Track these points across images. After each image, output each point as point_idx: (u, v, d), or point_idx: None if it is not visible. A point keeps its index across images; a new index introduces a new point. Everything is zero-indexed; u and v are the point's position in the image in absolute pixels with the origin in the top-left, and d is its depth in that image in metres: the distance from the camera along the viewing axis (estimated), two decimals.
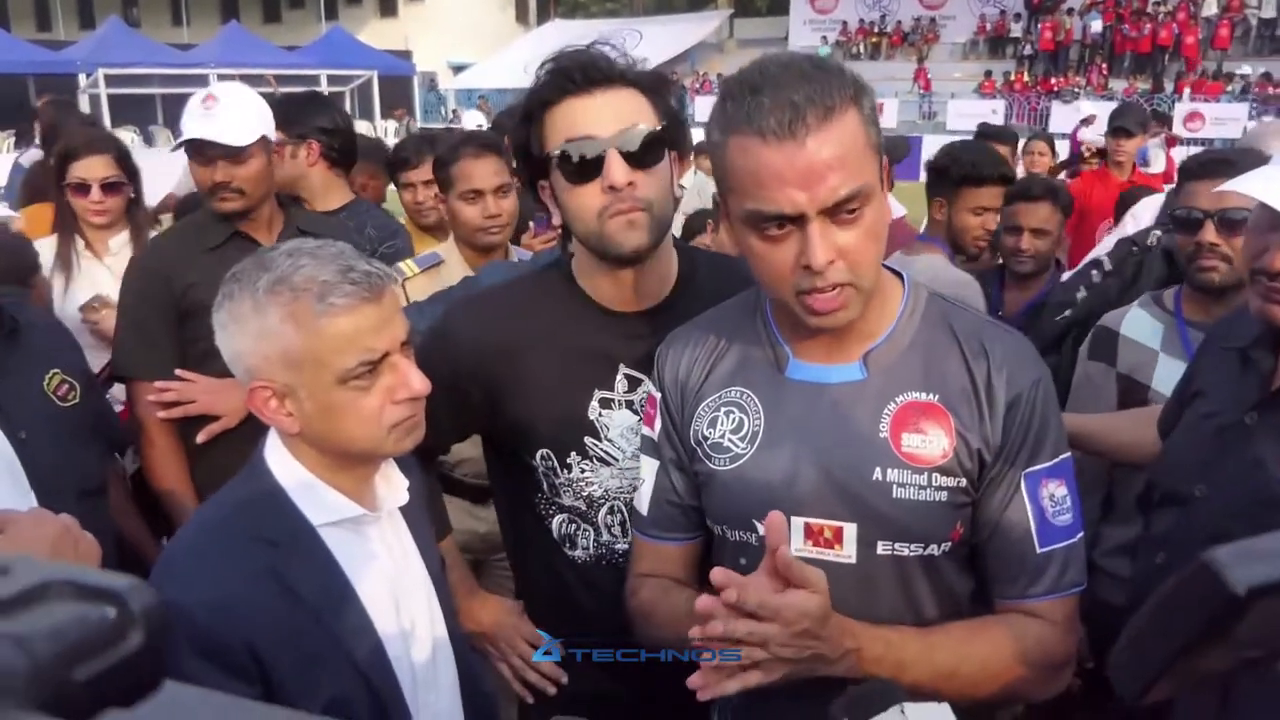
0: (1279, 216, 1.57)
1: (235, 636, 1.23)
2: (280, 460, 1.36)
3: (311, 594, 1.30)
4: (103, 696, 0.35)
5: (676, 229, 2.04)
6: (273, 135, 2.61)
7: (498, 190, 2.81)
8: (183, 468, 2.54)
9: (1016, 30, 29.49)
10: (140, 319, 2.53)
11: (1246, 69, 24.06)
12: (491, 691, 1.67)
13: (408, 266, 2.85)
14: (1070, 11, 28.20)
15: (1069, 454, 1.40)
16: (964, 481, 1.34)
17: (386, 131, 23.05)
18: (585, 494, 1.70)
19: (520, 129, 1.62)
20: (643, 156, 1.53)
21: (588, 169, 1.52)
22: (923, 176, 3.58)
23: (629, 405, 1.67)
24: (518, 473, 1.74)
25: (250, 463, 1.39)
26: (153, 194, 3.80)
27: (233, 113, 2.50)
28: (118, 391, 2.74)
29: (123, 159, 3.18)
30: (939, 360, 1.37)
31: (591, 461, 1.68)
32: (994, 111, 22.96)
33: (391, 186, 3.93)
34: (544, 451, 1.69)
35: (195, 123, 2.49)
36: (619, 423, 1.67)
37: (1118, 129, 5.48)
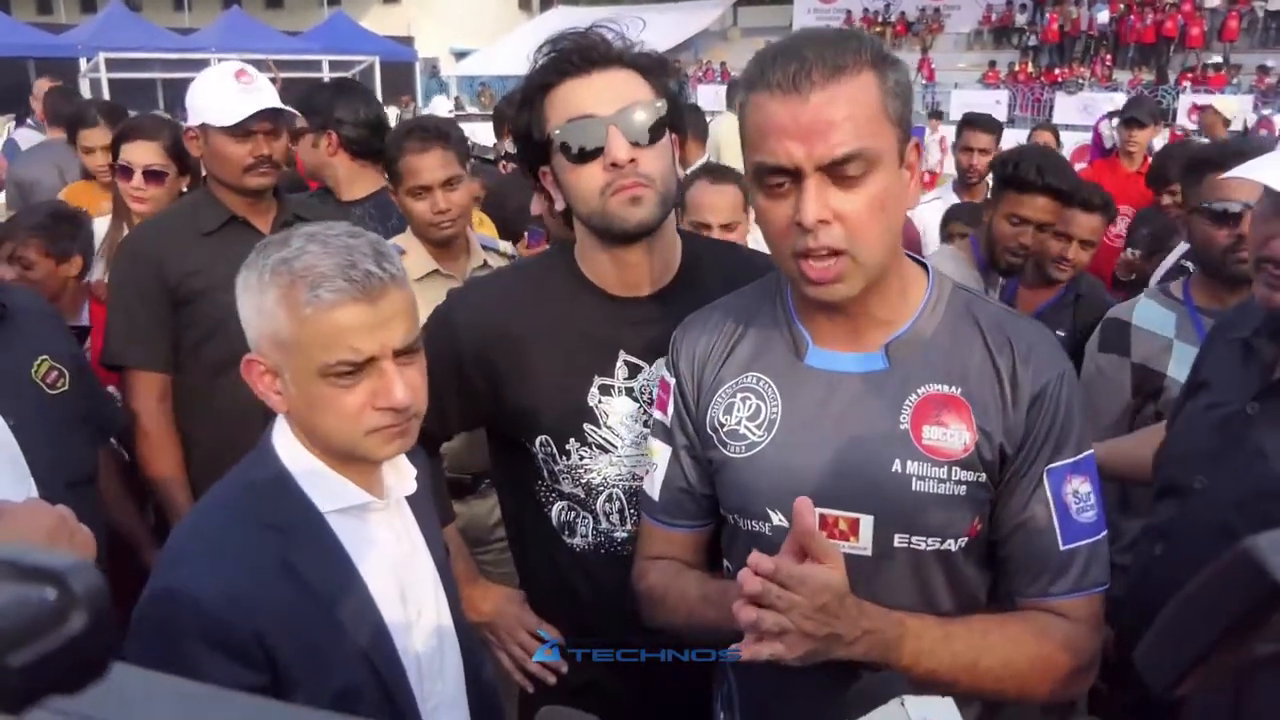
0: None
1: (244, 624, 1.22)
2: (288, 445, 1.35)
3: (319, 582, 1.29)
4: (42, 683, 0.32)
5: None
6: None
7: (445, 184, 2.69)
8: (177, 458, 2.51)
9: (1021, 20, 29.38)
10: (132, 306, 2.48)
11: (1252, 61, 23.97)
12: (494, 681, 1.66)
13: None
14: (1078, 1, 28.08)
15: (1091, 451, 1.37)
16: (984, 476, 1.32)
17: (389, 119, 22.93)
18: (584, 481, 1.68)
19: (520, 114, 1.60)
20: (643, 133, 1.52)
21: (589, 148, 1.51)
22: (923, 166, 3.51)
23: (629, 392, 1.66)
24: (519, 461, 1.73)
25: (258, 447, 1.38)
26: None
27: (265, 86, 2.52)
28: None
29: (174, 147, 3.09)
30: (963, 352, 1.34)
31: (590, 449, 1.66)
32: (997, 102, 22.87)
33: None
34: (543, 438, 1.67)
35: (245, 98, 2.48)
36: (618, 410, 1.65)
37: (1130, 120, 5.48)
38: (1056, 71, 26.48)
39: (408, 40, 32.73)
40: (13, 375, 1.98)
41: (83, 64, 19.47)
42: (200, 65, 3.88)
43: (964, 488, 1.31)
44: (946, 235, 4.03)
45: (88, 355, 2.59)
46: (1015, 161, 2.95)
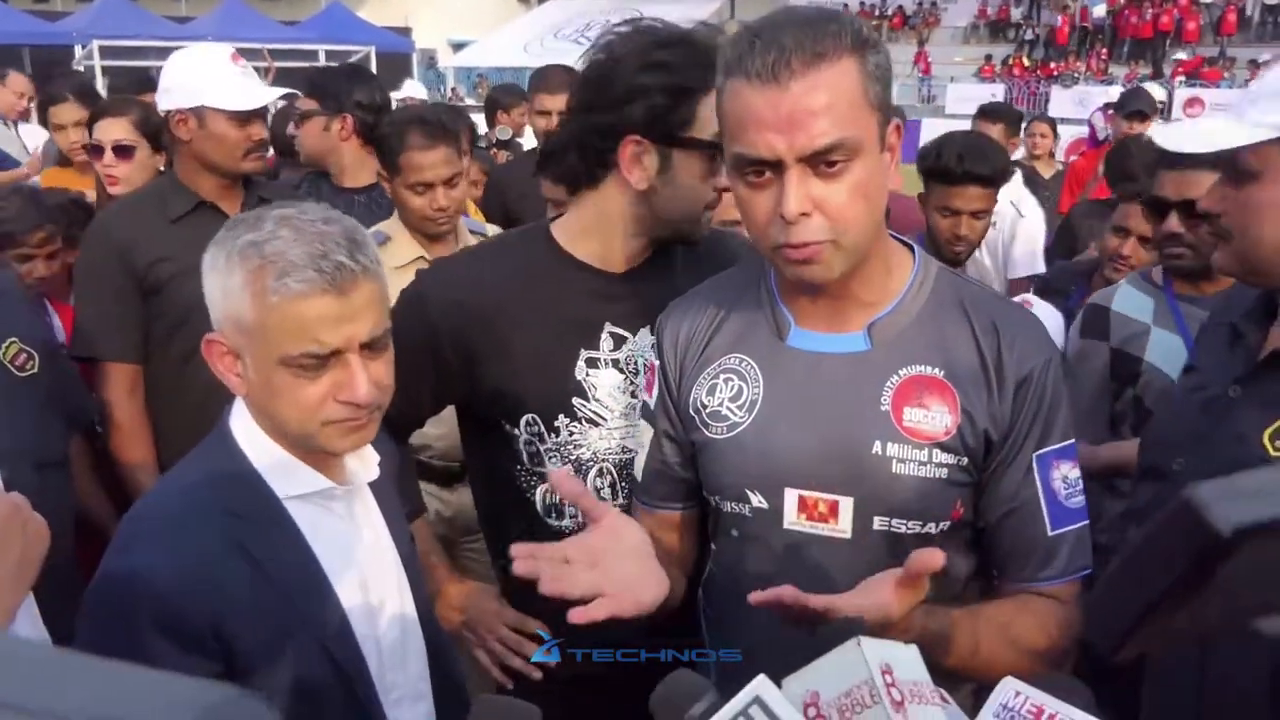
0: (1222, 163, 1.53)
1: (197, 611, 1.19)
2: (245, 429, 1.32)
3: (277, 569, 1.26)
4: None
5: None
6: None
7: (447, 182, 2.67)
8: (149, 447, 2.49)
9: (1017, 15, 29.33)
10: (100, 296, 2.43)
11: (1247, 55, 23.93)
12: (461, 673, 1.62)
13: None
14: None
15: (1074, 438, 1.37)
16: (965, 460, 1.30)
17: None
18: (574, 457, 1.67)
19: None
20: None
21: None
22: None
23: (614, 364, 1.65)
24: (495, 443, 1.71)
25: (215, 431, 1.34)
26: None
27: (254, 72, 2.54)
28: None
29: (143, 123, 3.07)
30: (947, 334, 1.33)
31: (580, 423, 1.65)
32: (993, 95, 22.73)
33: None
34: (529, 417, 1.66)
35: (251, 83, 2.50)
36: (606, 382, 1.65)
37: (1135, 113, 5.52)
38: (1052, 65, 26.43)
39: (405, 31, 32.57)
40: None
41: (78, 51, 19.38)
42: None
43: (945, 470, 1.30)
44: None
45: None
46: (937, 152, 2.91)
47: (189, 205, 2.48)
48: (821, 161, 1.19)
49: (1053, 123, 6.87)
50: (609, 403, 1.65)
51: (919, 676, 0.88)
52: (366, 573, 1.38)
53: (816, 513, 1.32)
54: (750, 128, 1.19)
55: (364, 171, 3.21)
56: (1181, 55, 25.24)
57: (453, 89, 28.03)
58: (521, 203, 3.68)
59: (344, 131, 3.16)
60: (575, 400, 1.64)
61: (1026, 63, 26.97)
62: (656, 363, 1.50)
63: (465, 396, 1.73)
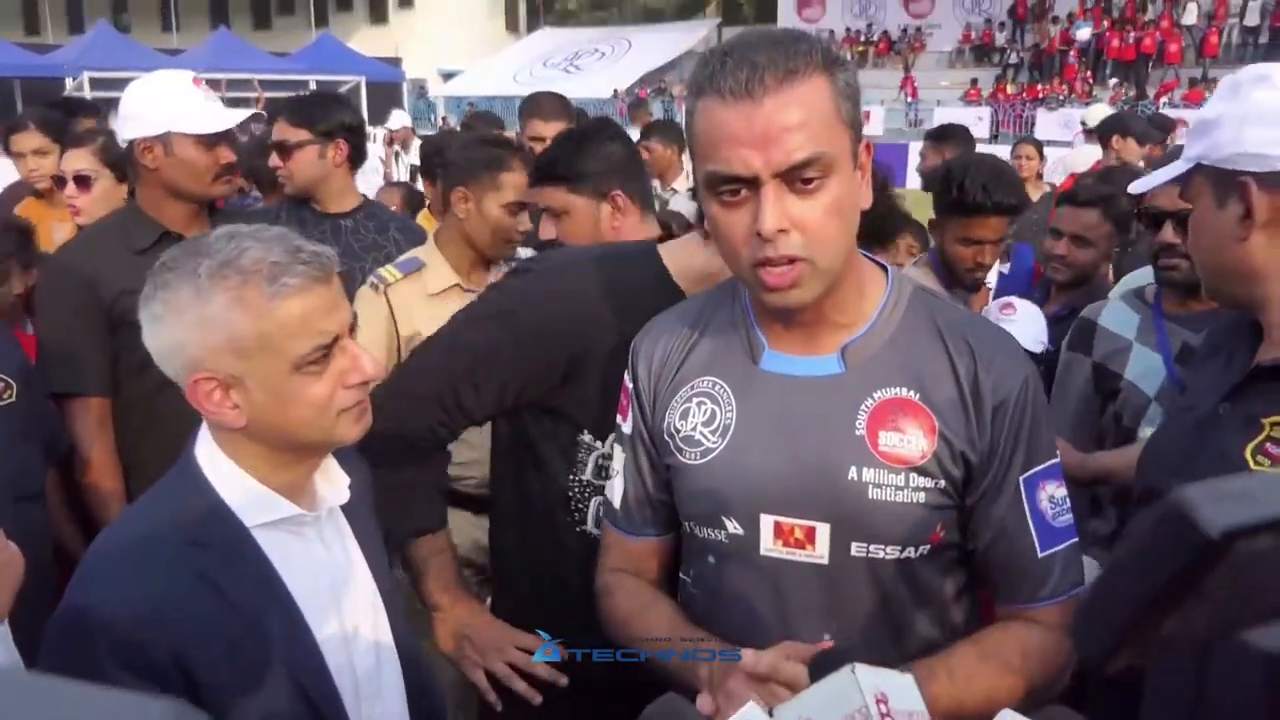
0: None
1: (160, 645, 1.15)
2: (210, 458, 1.28)
3: (244, 600, 1.23)
4: None
5: None
6: None
7: (523, 207, 2.69)
8: (118, 480, 2.45)
9: (1001, 39, 29.64)
10: (67, 331, 2.40)
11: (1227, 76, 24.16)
12: (442, 697, 1.58)
13: (389, 273, 2.70)
14: (1054, 20, 28.32)
15: (1058, 457, 1.35)
16: (944, 483, 1.28)
17: (375, 138, 22.96)
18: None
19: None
20: None
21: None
22: (909, 182, 3.40)
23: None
24: (550, 454, 1.72)
25: (179, 461, 1.31)
26: None
27: (214, 94, 2.52)
28: None
29: (105, 153, 3.05)
30: (922, 357, 1.31)
31: None
32: (979, 119, 23.03)
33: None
34: (588, 434, 1.68)
35: (216, 106, 2.48)
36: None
37: (1125, 133, 5.76)
38: (1038, 88, 26.69)
39: (395, 61, 32.79)
40: None
41: (68, 84, 19.45)
42: None
43: (923, 494, 1.28)
44: (896, 248, 3.63)
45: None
46: (960, 184, 2.66)
47: (153, 237, 2.45)
48: (798, 178, 1.18)
49: (1039, 145, 6.91)
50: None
51: (914, 706, 0.86)
52: (340, 600, 1.35)
53: (793, 539, 1.30)
54: (724, 145, 1.18)
55: (350, 195, 3.20)
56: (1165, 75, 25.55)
57: (443, 118, 28.14)
58: None
59: (338, 157, 3.14)
60: None
61: (1010, 88, 27.22)
62: (631, 386, 1.48)
63: (545, 399, 1.69)
